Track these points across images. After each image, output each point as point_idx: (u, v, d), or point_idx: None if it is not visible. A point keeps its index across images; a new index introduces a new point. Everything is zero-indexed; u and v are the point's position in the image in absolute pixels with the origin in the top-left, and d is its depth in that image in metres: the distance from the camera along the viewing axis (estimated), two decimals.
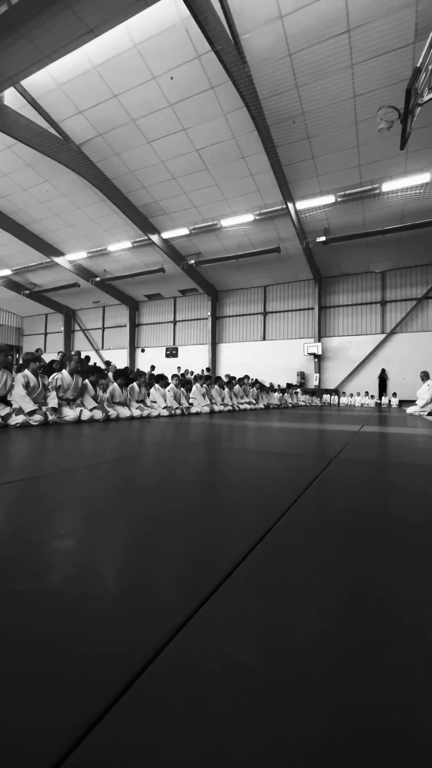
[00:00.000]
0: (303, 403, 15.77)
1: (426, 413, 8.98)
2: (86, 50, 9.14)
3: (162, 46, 9.10)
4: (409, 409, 9.55)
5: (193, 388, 8.55)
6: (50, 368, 6.71)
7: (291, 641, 0.59)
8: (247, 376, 11.86)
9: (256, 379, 13.06)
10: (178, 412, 7.30)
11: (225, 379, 10.60)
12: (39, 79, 9.95)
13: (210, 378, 9.47)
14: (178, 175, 13.00)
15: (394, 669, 0.54)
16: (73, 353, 10.20)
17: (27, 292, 22.58)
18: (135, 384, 6.78)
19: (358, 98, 9.62)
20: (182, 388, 8.00)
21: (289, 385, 15.80)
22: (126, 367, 12.63)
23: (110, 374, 7.10)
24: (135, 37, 8.94)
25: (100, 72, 9.82)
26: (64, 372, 5.35)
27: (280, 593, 0.74)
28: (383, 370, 16.89)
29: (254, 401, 11.32)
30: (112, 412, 5.70)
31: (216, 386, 9.41)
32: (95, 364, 9.83)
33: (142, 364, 21.47)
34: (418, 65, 5.45)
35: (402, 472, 2.11)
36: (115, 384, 6.24)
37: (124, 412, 6.01)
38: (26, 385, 4.61)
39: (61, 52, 7.77)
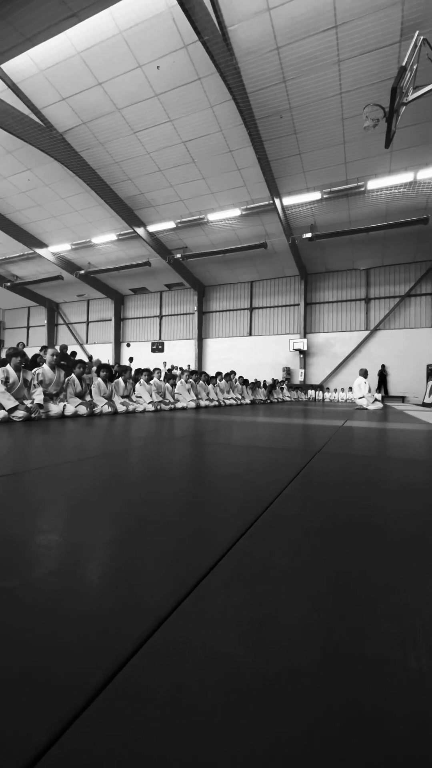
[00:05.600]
0: (288, 399, 15.91)
1: (367, 405, 9.58)
2: (69, 35, 8.85)
3: (148, 34, 8.90)
4: (359, 403, 9.91)
5: (178, 383, 8.52)
6: (34, 363, 6.57)
7: (273, 632, 0.60)
8: (233, 372, 11.88)
9: (241, 376, 13.10)
10: (164, 407, 7.27)
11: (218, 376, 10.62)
12: (20, 63, 9.60)
13: (195, 373, 9.45)
14: (165, 167, 12.81)
15: (374, 659, 0.55)
16: (58, 347, 10.00)
17: (9, 284, 21.97)
18: (120, 379, 6.71)
19: (345, 95, 9.65)
20: (168, 383, 7.96)
21: (275, 381, 15.92)
22: (117, 363, 12.44)
23: (93, 368, 6.99)
24: (120, 23, 8.71)
25: (84, 58, 9.55)
26: (45, 366, 5.25)
27: (263, 585, 0.75)
28: (383, 366, 16.92)
29: (240, 396, 11.37)
30: (97, 408, 5.64)
31: (201, 381, 9.41)
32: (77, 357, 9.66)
33: (128, 359, 21.25)
34: (404, 64, 5.51)
35: (382, 465, 2.16)
36: (99, 378, 6.16)
37: (108, 407, 5.94)
38: (5, 381, 4.51)
39: (43, 35, 7.53)
